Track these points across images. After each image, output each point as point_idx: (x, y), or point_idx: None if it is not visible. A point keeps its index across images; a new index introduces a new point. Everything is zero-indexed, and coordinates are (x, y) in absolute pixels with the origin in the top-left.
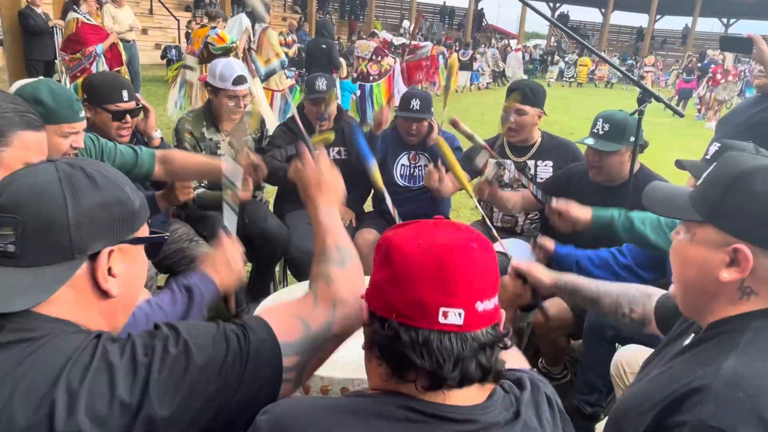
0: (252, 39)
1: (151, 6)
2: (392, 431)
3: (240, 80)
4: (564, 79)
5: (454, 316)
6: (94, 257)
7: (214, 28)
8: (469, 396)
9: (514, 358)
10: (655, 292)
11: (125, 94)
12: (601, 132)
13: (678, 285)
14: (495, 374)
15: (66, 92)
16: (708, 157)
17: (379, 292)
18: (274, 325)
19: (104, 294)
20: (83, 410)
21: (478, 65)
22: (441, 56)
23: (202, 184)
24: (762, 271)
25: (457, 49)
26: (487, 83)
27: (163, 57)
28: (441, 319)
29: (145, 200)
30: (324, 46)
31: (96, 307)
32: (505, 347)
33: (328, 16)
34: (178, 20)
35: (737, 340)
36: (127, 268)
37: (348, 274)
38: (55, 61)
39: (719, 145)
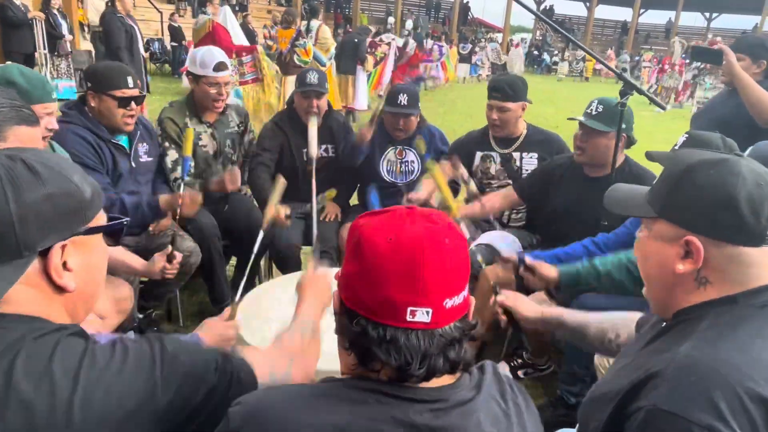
0: (310, 34)
1: None
2: (363, 413)
3: (220, 67)
4: (573, 74)
5: (421, 315)
6: (45, 253)
7: (300, 31)
8: (438, 381)
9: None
10: (636, 316)
11: (129, 80)
12: (594, 112)
13: (644, 280)
14: (464, 365)
15: (36, 74)
16: (677, 148)
17: (349, 284)
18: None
19: (61, 289)
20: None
21: (477, 58)
22: (441, 49)
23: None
24: (714, 260)
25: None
26: (486, 75)
27: (146, 50)
28: (408, 318)
29: (99, 187)
30: (356, 41)
31: (57, 302)
32: (473, 339)
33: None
34: (161, 12)
35: (695, 327)
36: (84, 260)
37: (306, 347)
38: (35, 54)
39: (687, 136)
